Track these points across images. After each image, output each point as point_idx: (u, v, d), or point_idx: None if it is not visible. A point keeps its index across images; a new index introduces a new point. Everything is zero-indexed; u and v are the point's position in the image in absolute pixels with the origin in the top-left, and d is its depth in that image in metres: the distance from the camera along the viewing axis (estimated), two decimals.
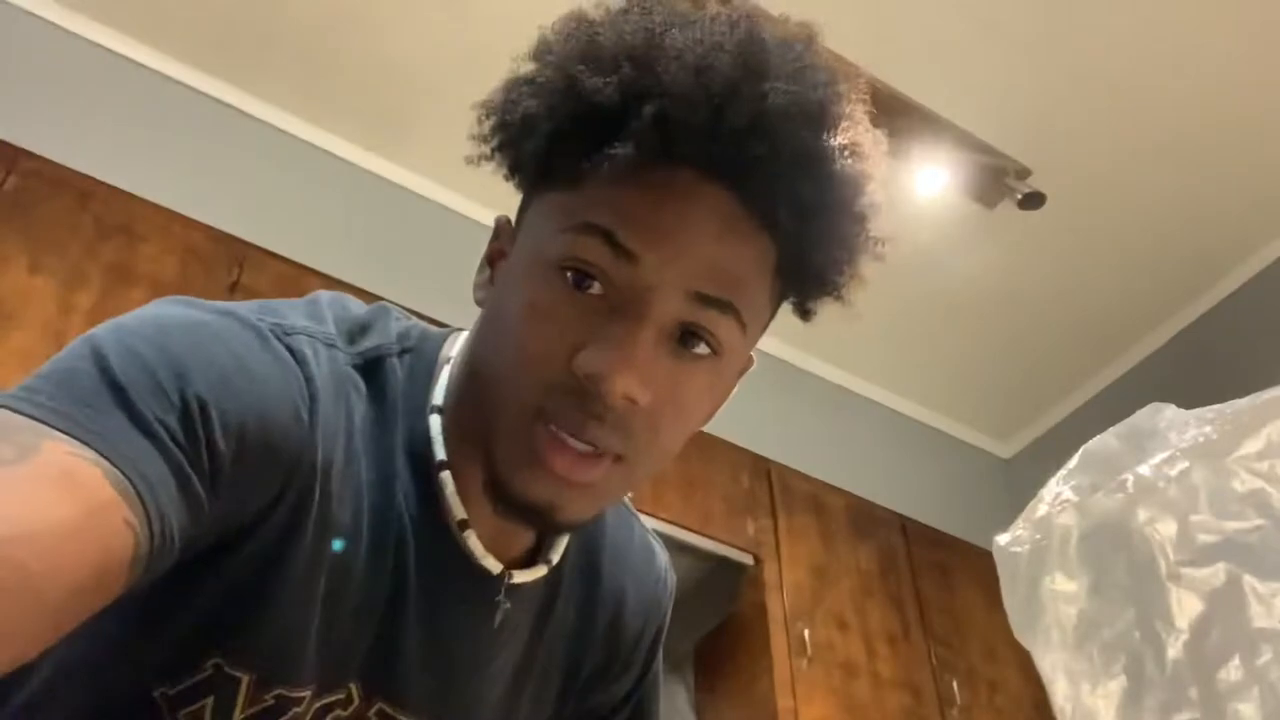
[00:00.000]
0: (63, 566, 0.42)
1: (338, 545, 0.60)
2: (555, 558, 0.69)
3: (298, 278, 2.72)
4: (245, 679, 0.59)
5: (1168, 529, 0.60)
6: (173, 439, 0.50)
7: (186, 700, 0.59)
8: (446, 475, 0.63)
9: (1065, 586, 0.62)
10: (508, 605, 0.65)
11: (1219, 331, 3.71)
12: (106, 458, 0.46)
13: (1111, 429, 0.71)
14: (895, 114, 3.26)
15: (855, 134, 0.61)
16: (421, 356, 0.67)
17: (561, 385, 0.57)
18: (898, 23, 3.06)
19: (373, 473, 0.62)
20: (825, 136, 0.59)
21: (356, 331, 0.66)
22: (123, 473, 0.46)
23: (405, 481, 0.63)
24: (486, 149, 0.64)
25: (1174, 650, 0.56)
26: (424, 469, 0.64)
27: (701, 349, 0.60)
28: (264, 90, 3.27)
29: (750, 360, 0.69)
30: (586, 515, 0.62)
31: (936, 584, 3.39)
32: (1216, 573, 0.57)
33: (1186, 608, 0.57)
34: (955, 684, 3.15)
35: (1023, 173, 3.37)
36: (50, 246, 2.42)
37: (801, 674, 2.87)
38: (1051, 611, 0.61)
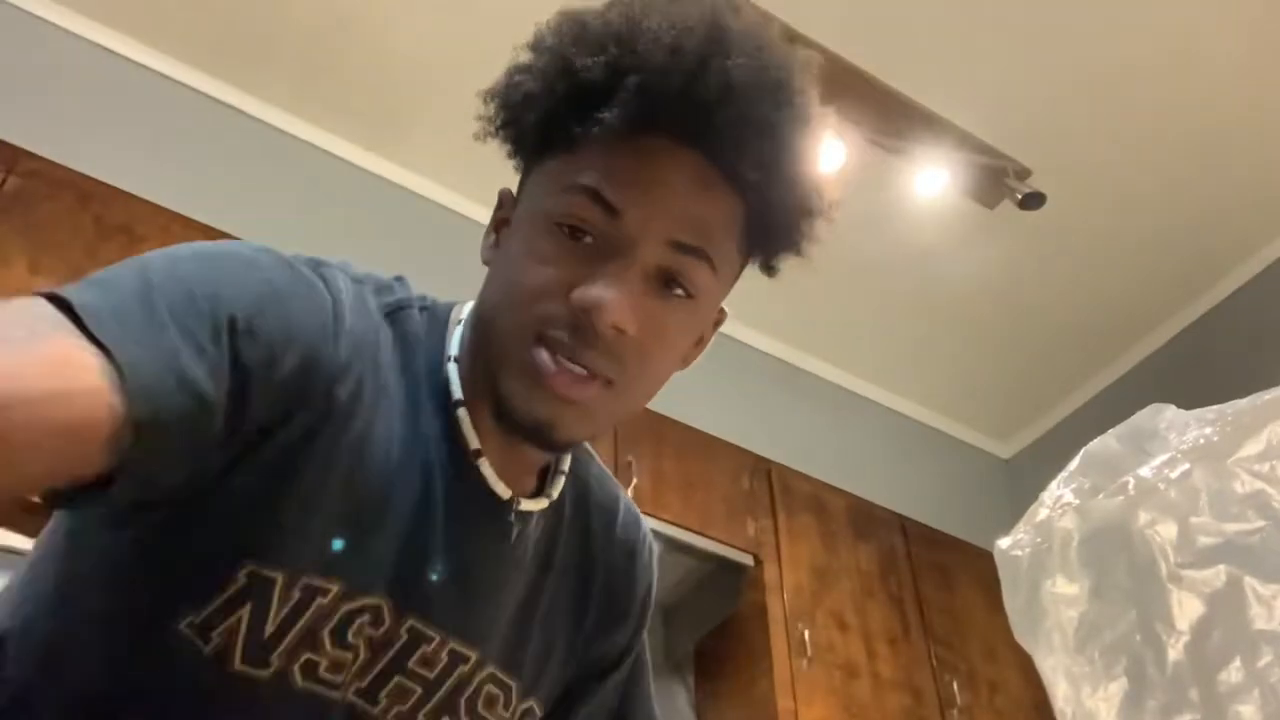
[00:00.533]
0: (33, 427, 0.47)
1: (368, 452, 0.66)
2: (555, 493, 0.77)
3: None
4: (279, 577, 0.63)
5: (1168, 531, 0.60)
6: (198, 349, 0.56)
7: (219, 619, 0.63)
8: (463, 411, 0.71)
9: (1066, 589, 0.62)
10: (519, 527, 0.72)
11: (1219, 331, 3.71)
12: (109, 355, 0.51)
13: (1112, 430, 0.71)
14: (895, 114, 3.26)
15: (809, 107, 0.69)
16: (436, 315, 0.76)
17: (559, 317, 0.65)
18: (898, 23, 3.06)
19: (401, 400, 0.70)
20: (784, 107, 0.67)
21: (383, 288, 0.74)
22: (119, 369, 0.51)
23: (429, 416, 0.71)
24: (491, 128, 0.73)
25: (1175, 652, 0.56)
26: (444, 406, 0.72)
27: (680, 291, 0.68)
28: (264, 90, 3.27)
29: (723, 314, 0.78)
30: (580, 433, 0.71)
31: (937, 584, 3.39)
32: (1217, 574, 0.57)
33: (1187, 610, 0.57)
34: (955, 685, 3.15)
35: (1023, 173, 3.37)
36: (50, 246, 2.42)
37: (802, 675, 2.87)
38: (1053, 615, 0.61)
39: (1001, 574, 0.65)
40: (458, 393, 0.71)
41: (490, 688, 0.74)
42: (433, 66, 3.22)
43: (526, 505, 0.74)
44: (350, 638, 0.66)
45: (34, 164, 2.53)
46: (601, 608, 0.84)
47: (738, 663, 2.98)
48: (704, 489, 3.08)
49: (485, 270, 0.75)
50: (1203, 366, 3.68)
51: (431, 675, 0.71)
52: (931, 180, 3.36)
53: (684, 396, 3.40)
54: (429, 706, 0.71)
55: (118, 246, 2.51)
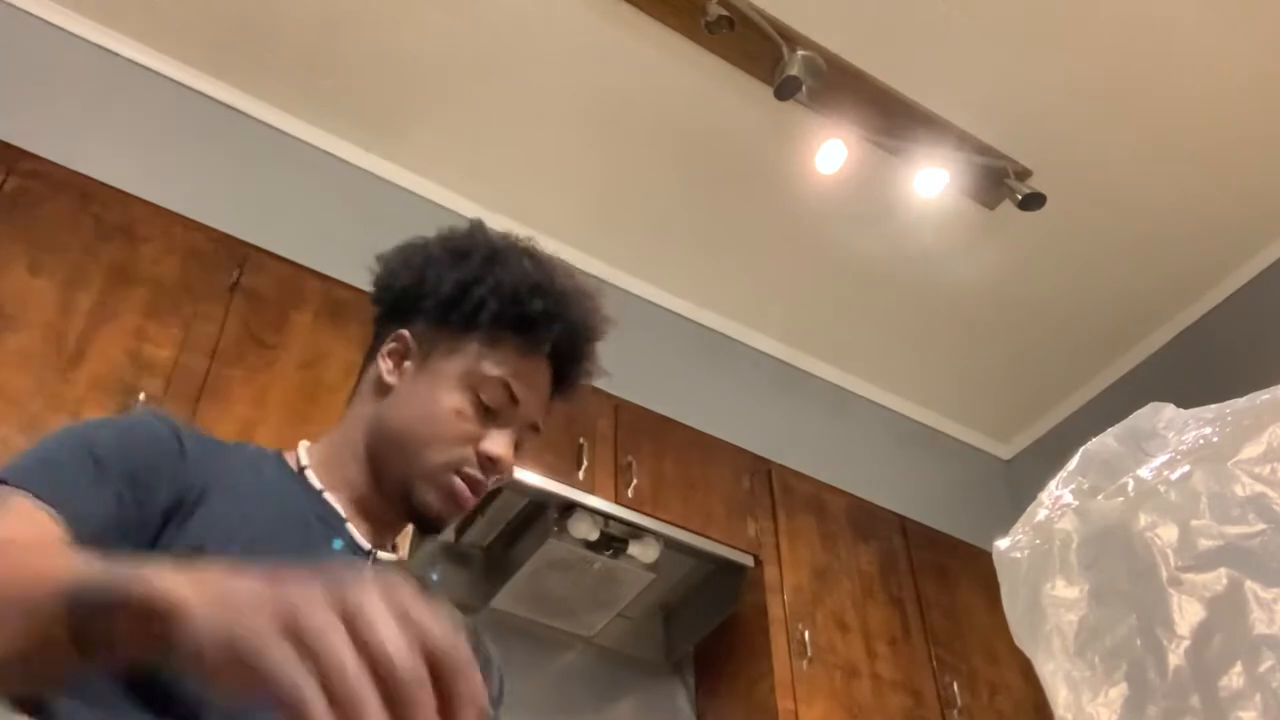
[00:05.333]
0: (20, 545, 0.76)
1: (238, 503, 0.94)
2: (403, 553, 1.15)
3: (298, 278, 2.71)
4: None
5: (1169, 534, 0.59)
6: (94, 482, 0.87)
7: None
8: (329, 495, 1.03)
9: (1066, 593, 0.61)
10: (374, 565, 1.02)
11: (1219, 332, 3.71)
12: (47, 501, 0.82)
13: (1110, 429, 0.71)
14: (895, 114, 3.26)
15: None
16: (265, 449, 1.08)
17: (471, 459, 1.02)
18: (898, 23, 3.06)
19: (251, 479, 0.98)
20: (598, 343, 1.12)
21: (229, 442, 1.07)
22: (60, 511, 0.82)
23: (294, 495, 1.01)
24: (398, 300, 1.11)
25: (1175, 657, 0.56)
26: (301, 484, 1.04)
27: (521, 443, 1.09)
28: (264, 90, 3.27)
29: None
30: (455, 522, 1.10)
31: (937, 585, 3.39)
32: (1218, 578, 0.57)
33: (1188, 614, 0.57)
34: (956, 685, 3.14)
35: (1023, 173, 3.37)
36: (50, 247, 2.41)
37: (802, 675, 2.87)
38: (1052, 618, 0.61)
39: (1001, 577, 0.65)
40: (317, 485, 1.03)
41: None
42: (432, 66, 3.22)
43: (383, 556, 1.04)
44: None
45: (34, 164, 2.52)
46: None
47: (738, 663, 2.98)
48: (704, 489, 3.08)
49: None
50: (1203, 367, 3.68)
51: None
52: (931, 180, 3.36)
53: (684, 397, 3.40)
54: None
55: (118, 246, 2.51)
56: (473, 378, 1.03)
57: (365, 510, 1.04)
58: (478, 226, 1.14)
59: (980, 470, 4.27)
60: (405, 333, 1.08)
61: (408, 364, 1.07)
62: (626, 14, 3.05)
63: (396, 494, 1.02)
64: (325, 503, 1.02)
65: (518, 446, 1.06)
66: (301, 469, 1.05)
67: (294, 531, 0.96)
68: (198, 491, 0.91)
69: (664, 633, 3.20)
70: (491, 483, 1.04)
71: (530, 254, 1.09)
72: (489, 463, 1.02)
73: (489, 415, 1.03)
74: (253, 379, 2.47)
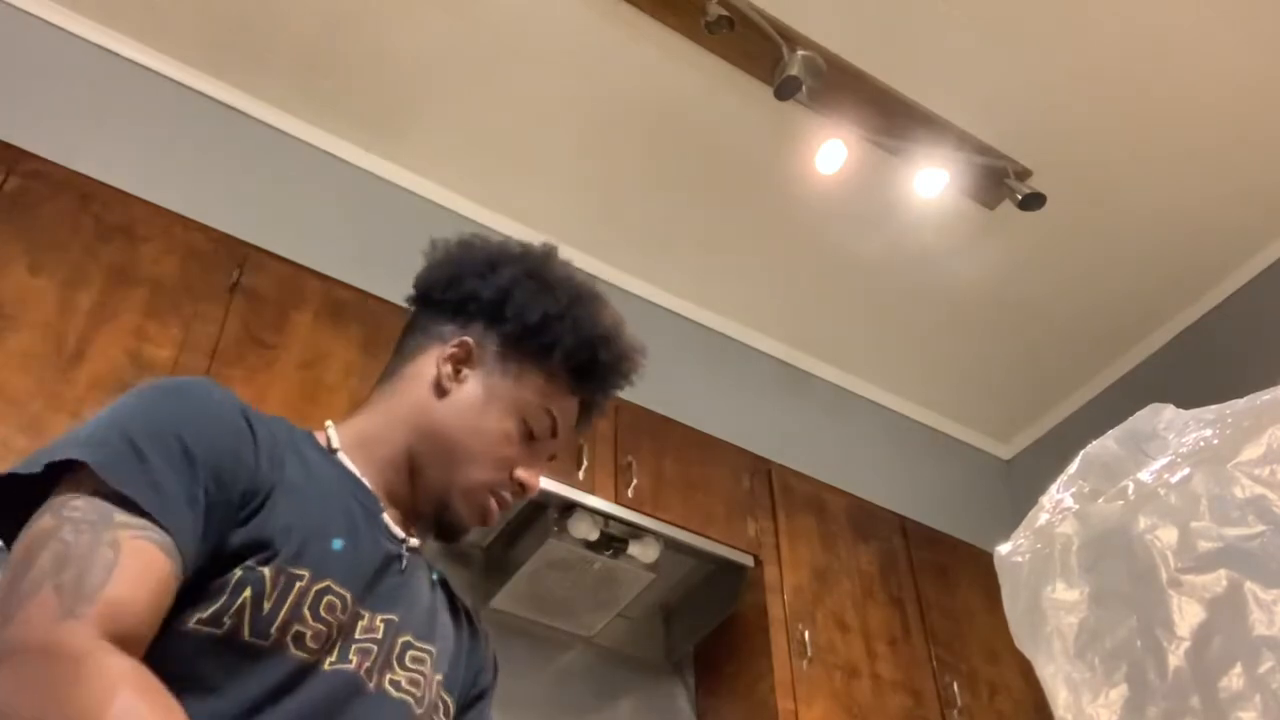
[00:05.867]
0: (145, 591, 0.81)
1: (296, 490, 0.95)
2: (419, 543, 1.08)
3: (298, 278, 2.71)
4: (267, 570, 0.87)
5: (1169, 536, 0.59)
6: (188, 488, 0.86)
7: (227, 607, 0.85)
8: (365, 480, 1.05)
9: (1066, 595, 0.61)
10: (408, 554, 1.04)
11: (1219, 332, 3.71)
12: (161, 524, 0.82)
13: (1111, 431, 0.71)
14: (895, 114, 3.26)
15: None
16: (295, 428, 1.09)
17: (507, 483, 1.08)
18: (898, 23, 3.06)
19: (299, 463, 0.98)
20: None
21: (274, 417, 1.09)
22: (173, 538, 0.83)
23: (334, 481, 1.02)
24: (463, 303, 1.11)
25: (1175, 658, 0.56)
26: (345, 474, 1.05)
27: None
28: (264, 90, 3.27)
29: None
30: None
31: (937, 585, 3.39)
32: (1218, 580, 0.57)
33: (1188, 615, 0.57)
34: (956, 685, 3.14)
35: (1023, 173, 3.37)
36: (50, 247, 2.41)
37: (802, 675, 2.87)
38: (1053, 621, 0.61)
39: (1002, 581, 0.65)
40: (354, 469, 1.05)
41: (414, 651, 1.00)
42: (432, 66, 3.21)
43: (413, 542, 1.06)
44: (323, 614, 0.90)
45: (34, 164, 2.52)
46: (468, 644, 1.14)
47: (738, 663, 2.98)
48: (704, 489, 3.08)
49: None
50: (1203, 367, 3.68)
51: (378, 638, 0.96)
52: (931, 180, 3.36)
53: (684, 396, 3.40)
54: (381, 659, 0.96)
55: (118, 246, 2.51)
56: (528, 407, 1.09)
57: (394, 500, 1.06)
58: (555, 253, 1.15)
59: (980, 470, 4.27)
60: (470, 341, 1.10)
61: (465, 372, 1.09)
62: (626, 14, 3.05)
63: (429, 497, 1.06)
64: (364, 488, 1.03)
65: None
66: (333, 450, 1.05)
67: (342, 519, 0.97)
68: (267, 488, 0.92)
69: (664, 633, 3.20)
70: (519, 495, 1.10)
71: (601, 298, 1.14)
72: (519, 489, 1.08)
73: (528, 442, 1.09)
74: (253, 379, 2.47)
